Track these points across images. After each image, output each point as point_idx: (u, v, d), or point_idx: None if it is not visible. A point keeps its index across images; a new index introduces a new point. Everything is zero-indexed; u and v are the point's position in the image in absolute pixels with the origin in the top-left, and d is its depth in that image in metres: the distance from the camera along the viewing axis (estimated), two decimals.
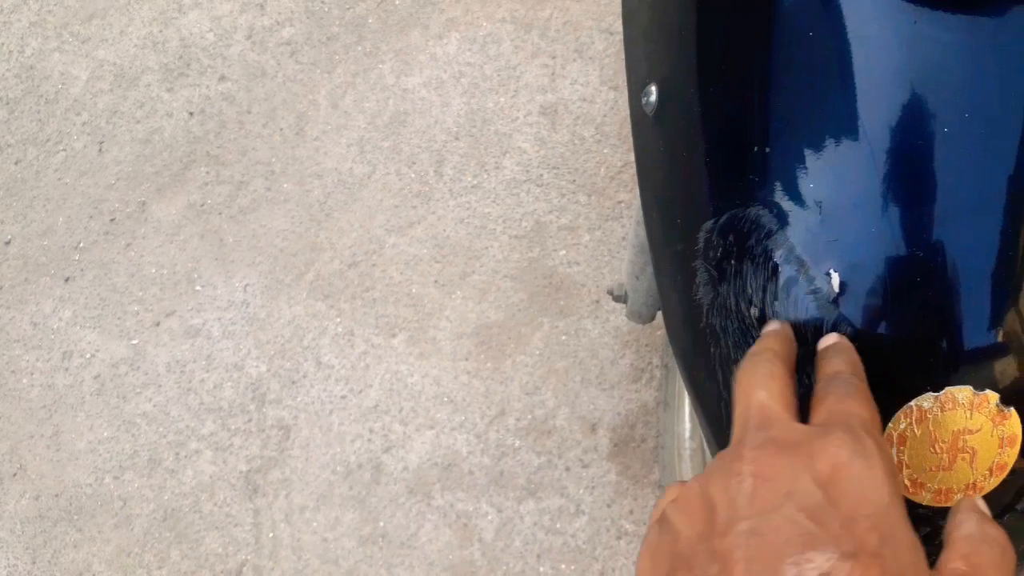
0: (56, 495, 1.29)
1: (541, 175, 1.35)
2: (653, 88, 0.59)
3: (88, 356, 1.38)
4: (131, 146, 1.50)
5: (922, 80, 0.45)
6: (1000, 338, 0.45)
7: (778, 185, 0.48)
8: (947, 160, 0.45)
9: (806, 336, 0.47)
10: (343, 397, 1.27)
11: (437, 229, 1.34)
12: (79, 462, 1.33)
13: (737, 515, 0.30)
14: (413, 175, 1.38)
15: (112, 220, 1.46)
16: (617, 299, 0.97)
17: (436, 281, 1.31)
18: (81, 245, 1.44)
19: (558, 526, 1.17)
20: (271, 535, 1.23)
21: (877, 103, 0.46)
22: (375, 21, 1.50)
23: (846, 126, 0.46)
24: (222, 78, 1.52)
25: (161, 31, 1.58)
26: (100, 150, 1.50)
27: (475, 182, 1.36)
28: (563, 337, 1.26)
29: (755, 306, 0.49)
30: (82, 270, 1.43)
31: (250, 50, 1.53)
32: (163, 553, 1.23)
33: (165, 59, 1.56)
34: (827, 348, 0.44)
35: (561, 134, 1.37)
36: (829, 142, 0.47)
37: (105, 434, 1.33)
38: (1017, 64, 0.45)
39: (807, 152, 0.48)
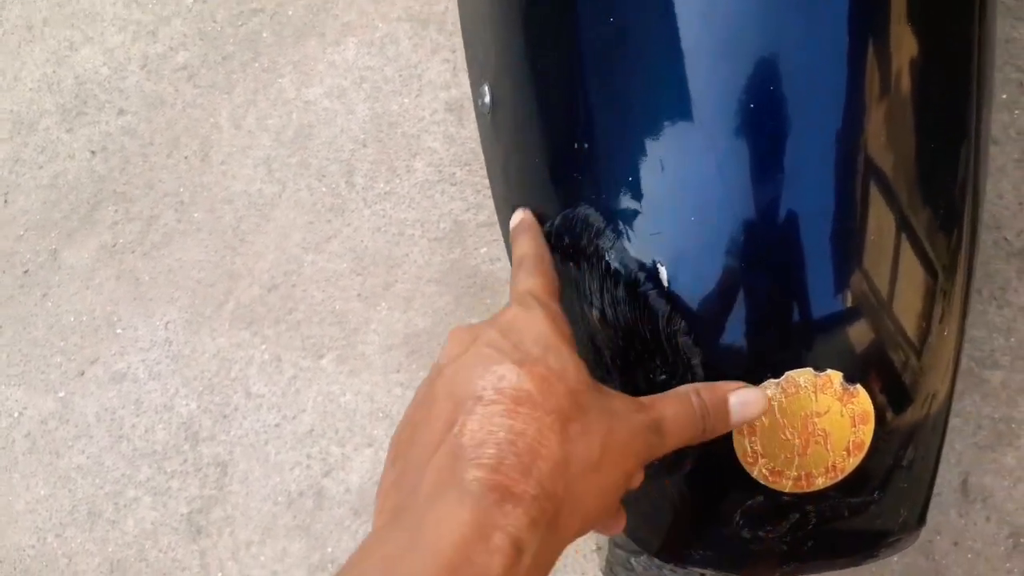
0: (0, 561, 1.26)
1: (454, 173, 1.32)
2: (486, 88, 0.56)
3: (16, 415, 1.34)
4: (36, 193, 1.45)
5: (725, 63, 0.43)
6: (834, 317, 0.43)
7: (600, 182, 0.46)
8: (760, 145, 0.43)
9: (646, 334, 0.45)
10: (277, 425, 1.24)
11: (354, 241, 1.31)
12: (19, 524, 1.29)
13: (442, 362, 0.41)
14: (324, 188, 1.34)
15: (25, 272, 1.41)
16: None
17: (359, 295, 1.28)
18: None
19: None
20: (219, 575, 1.20)
21: (684, 92, 0.43)
22: (270, 35, 1.46)
23: (656, 119, 0.44)
24: (121, 112, 1.47)
25: (55, 71, 1.54)
26: (5, 201, 1.46)
27: (388, 188, 1.33)
28: None
29: (595, 307, 0.47)
30: (0, 328, 1.39)
31: (146, 80, 1.48)
32: None
33: (62, 99, 1.51)
34: (515, 228, 0.50)
35: (469, 129, 1.34)
36: (642, 135, 0.44)
37: (42, 492, 1.30)
38: (820, 27, 0.42)
39: (623, 146, 0.45)
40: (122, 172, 1.43)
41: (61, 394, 1.34)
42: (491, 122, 0.54)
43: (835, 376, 0.42)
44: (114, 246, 1.39)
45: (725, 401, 0.41)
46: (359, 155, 1.35)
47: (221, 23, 1.49)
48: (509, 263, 0.67)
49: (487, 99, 0.54)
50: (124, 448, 1.29)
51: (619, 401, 0.39)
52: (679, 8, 0.42)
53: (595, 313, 0.47)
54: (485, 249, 1.28)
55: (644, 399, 0.40)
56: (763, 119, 0.42)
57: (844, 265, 0.43)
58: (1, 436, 1.33)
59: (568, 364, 0.38)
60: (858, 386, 0.43)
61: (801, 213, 0.42)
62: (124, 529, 1.25)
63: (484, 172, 1.31)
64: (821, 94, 0.42)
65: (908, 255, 0.45)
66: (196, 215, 1.38)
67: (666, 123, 0.43)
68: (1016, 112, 1.26)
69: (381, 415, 1.22)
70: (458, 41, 1.39)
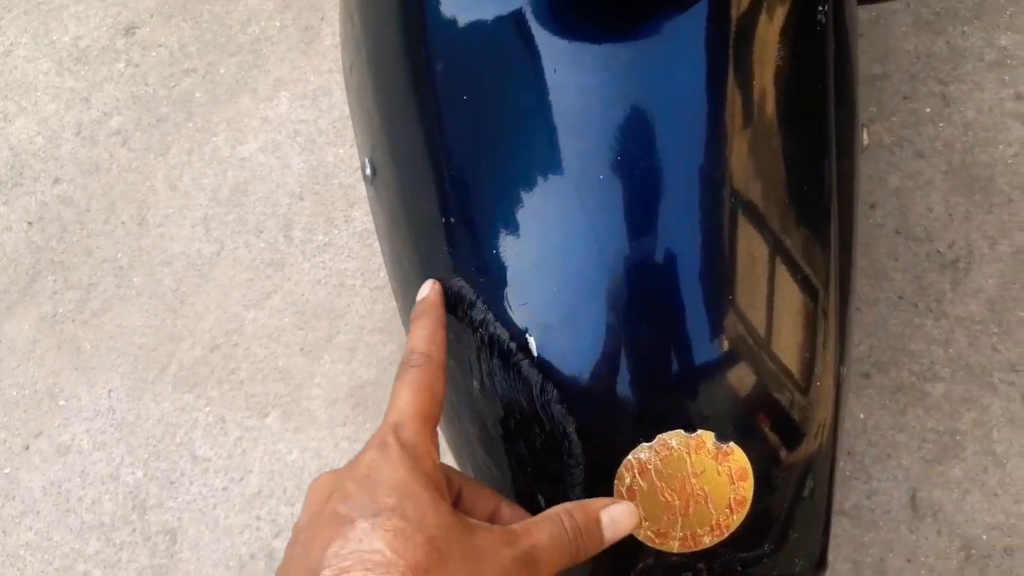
0: None
1: None
2: (367, 160, 0.56)
3: None
4: None
5: (576, 133, 0.43)
6: (701, 375, 0.43)
7: (469, 254, 0.46)
8: (612, 212, 0.43)
9: (522, 403, 0.45)
10: (224, 489, 1.22)
11: (295, 295, 1.30)
12: None
13: (300, 523, 0.40)
14: (263, 244, 1.34)
15: None
16: None
17: (302, 349, 1.27)
18: None
19: None
20: None
21: (540, 164, 0.44)
22: (202, 94, 1.46)
23: (513, 192, 0.44)
24: (56, 180, 1.46)
25: None
26: None
27: (327, 240, 1.32)
28: None
29: (475, 378, 0.47)
30: None
31: (81, 146, 1.48)
32: None
33: None
34: (415, 308, 0.49)
35: None
36: (502, 208, 0.45)
37: None
38: (654, 89, 0.43)
39: (484, 219, 0.45)
40: (60, 241, 1.42)
41: (7, 470, 1.31)
42: (373, 192, 0.54)
43: (707, 436, 0.42)
44: (54, 316, 1.37)
45: (597, 521, 0.40)
46: (296, 208, 1.35)
47: (153, 85, 1.49)
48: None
49: (367, 171, 0.54)
50: (72, 522, 1.26)
51: (487, 537, 0.38)
52: (529, 85, 0.43)
53: (475, 384, 0.46)
54: None
55: (516, 526, 0.39)
56: (611, 186, 0.42)
57: (711, 317, 0.43)
58: None
59: (427, 509, 0.37)
60: (731, 444, 0.43)
61: (661, 271, 0.42)
62: None
63: None
64: (670, 150, 0.42)
65: (778, 289, 0.45)
66: (135, 280, 1.36)
67: (524, 195, 0.43)
68: (940, 125, 1.28)
69: (328, 470, 1.20)
70: None
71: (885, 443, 1.09)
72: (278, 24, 1.50)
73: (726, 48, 0.43)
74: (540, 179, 0.43)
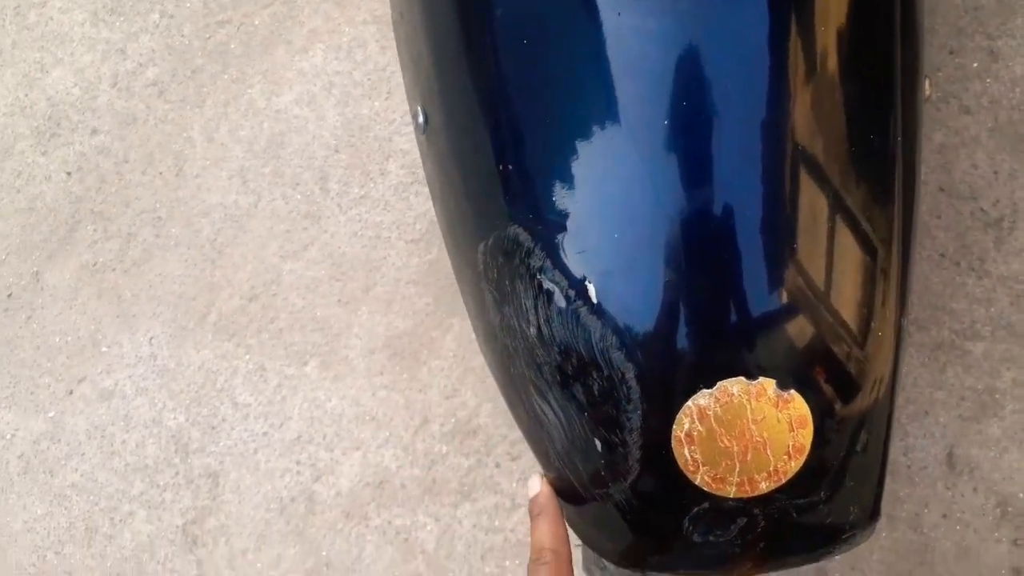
0: None
1: None
2: (419, 109, 0.56)
3: (9, 437, 1.35)
4: (15, 217, 1.46)
5: (638, 79, 0.43)
6: (763, 323, 0.43)
7: (527, 202, 0.46)
8: (675, 158, 0.42)
9: (580, 350, 0.45)
10: (265, 434, 1.25)
11: (332, 247, 1.31)
12: (18, 543, 1.31)
13: None
14: (299, 196, 1.34)
15: (9, 296, 1.42)
16: None
17: (339, 300, 1.29)
18: None
19: (497, 524, 1.16)
20: None
21: (599, 111, 0.43)
22: (237, 46, 1.45)
23: (573, 138, 0.44)
24: (94, 131, 1.47)
25: (27, 95, 1.53)
26: None
27: (362, 192, 1.33)
28: (473, 335, 1.23)
29: (532, 325, 0.47)
30: None
31: (117, 98, 1.48)
32: None
33: (35, 122, 1.51)
34: (532, 505, 0.50)
35: None
36: (561, 154, 0.44)
37: (39, 511, 1.31)
38: (716, 34, 0.42)
39: (544, 166, 0.45)
40: (98, 191, 1.43)
41: (51, 414, 1.34)
42: (425, 142, 0.54)
43: (768, 383, 0.43)
44: (95, 265, 1.39)
45: None
46: (332, 161, 1.35)
47: (189, 37, 1.49)
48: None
49: (420, 119, 0.54)
50: (116, 464, 1.30)
51: None
52: (590, 30, 0.42)
53: (532, 331, 0.47)
54: None
55: None
56: (675, 131, 0.41)
57: (773, 268, 0.43)
58: None
59: None
60: (792, 392, 0.43)
61: (723, 220, 0.42)
62: (121, 543, 1.26)
63: None
64: (735, 99, 0.42)
65: (841, 242, 0.44)
66: (174, 230, 1.38)
67: (584, 142, 0.43)
68: (988, 81, 1.25)
69: (367, 418, 1.23)
70: None
71: (923, 400, 1.09)
72: None
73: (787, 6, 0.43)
74: (600, 125, 0.43)
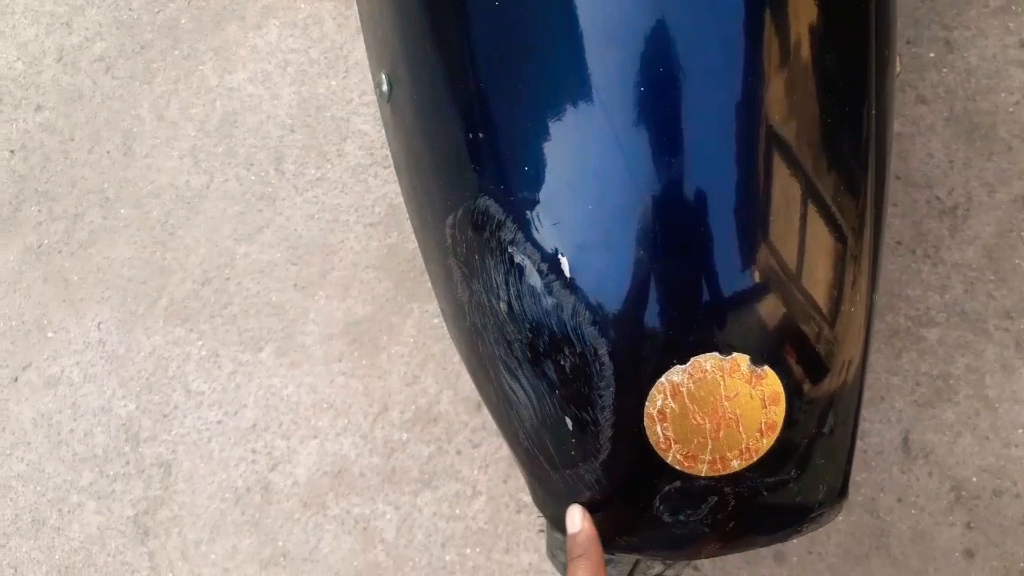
0: None
1: (386, 155, 1.29)
2: (383, 77, 0.54)
3: None
4: None
5: (614, 48, 0.42)
6: (738, 299, 0.42)
7: (498, 172, 0.45)
8: (652, 129, 0.41)
9: (552, 326, 0.44)
10: (219, 422, 1.22)
11: (287, 230, 1.28)
12: None
13: None
14: (253, 177, 1.31)
15: None
16: None
17: (295, 284, 1.26)
18: None
19: (457, 511, 1.14)
20: (170, 574, 1.18)
21: (575, 79, 0.42)
22: (188, 21, 1.41)
23: (548, 106, 0.42)
24: (38, 108, 1.41)
25: None
26: None
27: (319, 174, 1.30)
28: (435, 320, 1.22)
29: (502, 300, 0.46)
30: None
31: (63, 73, 1.43)
32: None
33: None
34: (570, 544, 0.46)
35: None
36: (535, 123, 0.43)
37: None
38: (701, 9, 0.41)
39: (516, 135, 0.44)
40: (43, 170, 1.38)
41: None
42: (390, 111, 0.52)
43: (742, 359, 0.42)
44: (39, 247, 1.34)
45: None
46: (287, 141, 1.32)
47: (137, 10, 1.43)
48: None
49: (384, 87, 0.52)
50: (64, 453, 1.25)
51: None
52: (572, 15, 0.41)
53: (502, 306, 0.45)
54: None
55: None
56: (652, 104, 0.40)
57: (747, 245, 0.42)
58: None
59: None
60: (766, 368, 0.42)
61: (698, 194, 0.41)
62: (70, 535, 1.22)
63: None
64: (713, 71, 0.41)
65: (814, 224, 0.44)
66: (122, 211, 1.33)
67: (558, 111, 0.42)
68: (944, 71, 1.27)
69: (325, 405, 1.20)
70: None
71: (879, 386, 1.10)
72: None
73: None
74: (575, 94, 0.42)
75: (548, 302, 0.43)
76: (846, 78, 0.45)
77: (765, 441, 0.44)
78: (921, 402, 1.10)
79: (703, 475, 0.45)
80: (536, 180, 0.42)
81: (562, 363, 0.44)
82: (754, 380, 0.42)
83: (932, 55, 1.28)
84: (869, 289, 0.47)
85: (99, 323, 1.29)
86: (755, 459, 0.44)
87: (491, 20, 0.43)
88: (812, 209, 0.44)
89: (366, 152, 1.29)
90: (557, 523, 0.52)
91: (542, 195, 0.42)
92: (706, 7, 0.41)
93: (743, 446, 0.44)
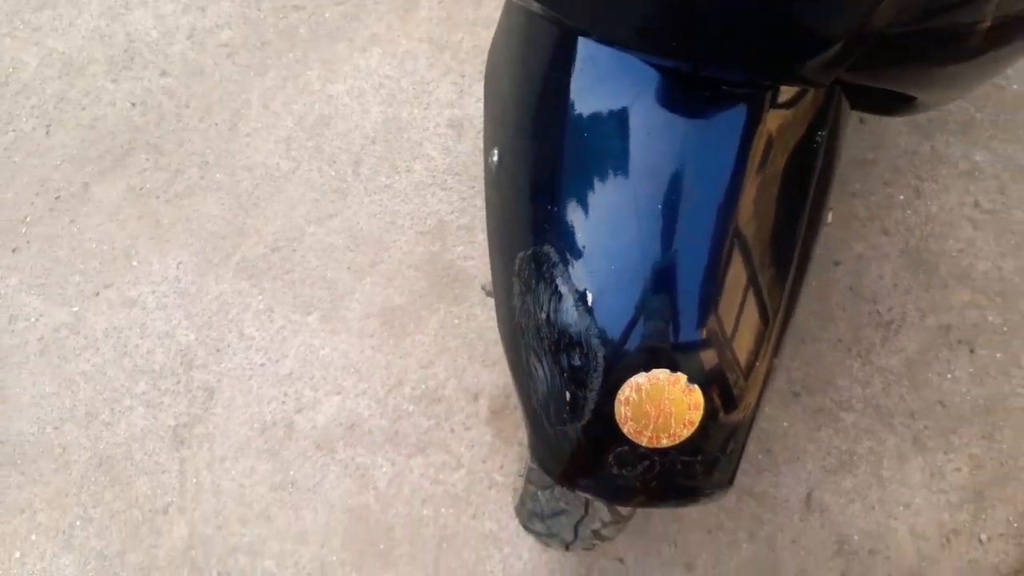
0: (1, 442, 1.46)
1: (446, 180, 1.56)
2: (495, 151, 0.80)
3: (32, 320, 1.54)
4: (76, 131, 1.65)
5: (653, 172, 0.68)
6: (689, 344, 0.69)
7: (560, 234, 0.71)
8: (659, 232, 0.68)
9: (572, 334, 0.70)
10: (262, 365, 1.47)
11: (352, 222, 1.54)
12: (23, 414, 1.49)
13: None
14: (333, 173, 1.57)
15: (57, 198, 1.61)
16: (488, 294, 1.19)
17: (349, 267, 1.51)
18: (28, 219, 1.59)
19: (441, 477, 1.39)
20: (194, 481, 1.42)
21: (625, 188, 0.68)
22: (306, 31, 1.68)
23: (598, 205, 0.69)
24: (163, 73, 1.68)
25: (108, 25, 1.73)
26: (47, 133, 1.65)
27: (388, 182, 1.56)
28: (456, 321, 1.48)
29: (543, 311, 0.72)
30: (28, 242, 1.58)
31: (190, 49, 1.69)
32: (98, 495, 1.41)
33: (111, 52, 1.71)
34: None
35: (465, 145, 1.58)
36: (588, 212, 0.70)
37: (47, 390, 1.50)
38: (711, 153, 0.68)
39: (578, 214, 0.70)
40: (157, 126, 1.64)
41: (75, 309, 1.54)
42: (495, 176, 0.79)
43: (682, 377, 0.68)
44: (141, 189, 1.60)
45: None
46: (368, 150, 1.58)
47: (265, 12, 1.71)
48: (485, 273, 0.91)
49: (494, 159, 0.78)
50: (126, 363, 1.50)
51: None
52: (623, 138, 0.67)
53: (543, 315, 0.71)
54: (461, 248, 1.52)
55: None
56: (661, 216, 0.67)
57: (703, 313, 0.68)
58: (16, 336, 1.53)
59: None
60: (695, 385, 0.68)
61: (677, 276, 0.67)
62: (116, 431, 1.46)
63: (471, 182, 1.56)
64: (701, 202, 0.67)
65: (747, 308, 0.70)
66: (218, 176, 1.59)
67: (603, 205, 0.68)
68: (908, 212, 1.55)
69: (352, 370, 1.45)
70: (467, 68, 1.63)
71: (798, 449, 1.37)
72: None
73: (749, 146, 0.69)
74: (617, 197, 0.68)
75: (573, 318, 0.69)
76: (786, 222, 0.72)
77: (685, 431, 0.70)
78: (828, 468, 1.36)
79: (643, 445, 0.70)
80: (582, 243, 0.69)
81: (572, 357, 0.70)
82: (687, 391, 0.68)
83: (902, 197, 1.56)
84: (772, 356, 0.73)
85: (179, 263, 1.54)
86: (677, 442, 0.70)
87: (575, 141, 0.70)
88: (747, 298, 0.71)
89: (430, 173, 1.56)
90: (543, 465, 0.78)
91: (584, 253, 0.69)
92: (703, 162, 0.68)
93: (671, 431, 0.69)
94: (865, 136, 1.58)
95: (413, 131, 1.59)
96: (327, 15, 1.69)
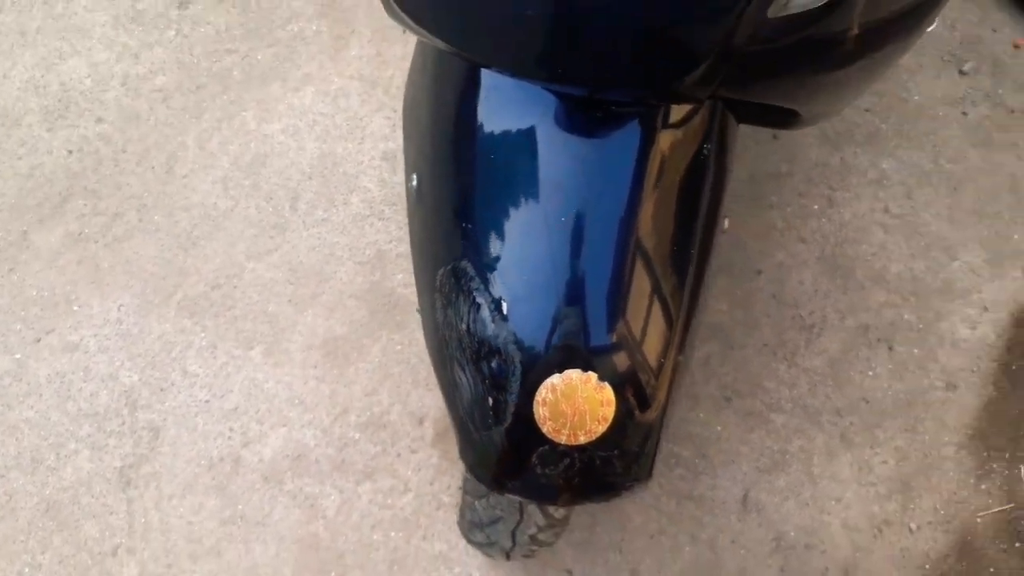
0: None
1: (383, 211, 1.61)
2: (415, 176, 0.85)
3: None
4: (14, 180, 1.66)
5: (557, 190, 0.74)
6: (599, 345, 0.74)
7: (476, 249, 0.76)
8: (567, 240, 0.73)
9: (490, 341, 0.75)
10: (207, 401, 1.48)
11: (291, 256, 1.57)
12: None
13: None
14: (271, 209, 1.61)
15: None
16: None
17: (290, 301, 1.54)
18: None
19: (389, 502, 1.42)
20: (143, 520, 1.42)
21: (534, 206, 0.74)
22: (239, 73, 1.72)
23: (510, 219, 0.75)
24: (99, 120, 1.70)
25: (43, 76, 1.75)
26: None
27: (325, 216, 1.60)
28: (398, 347, 1.51)
29: (464, 322, 0.77)
30: None
31: (125, 95, 1.72)
32: (46, 540, 1.41)
33: (46, 102, 1.73)
34: None
35: (400, 176, 1.63)
36: (503, 226, 0.75)
37: None
38: (608, 170, 0.74)
39: (491, 231, 0.76)
40: (94, 172, 1.66)
41: (17, 356, 1.54)
42: (416, 199, 0.84)
43: (593, 376, 0.73)
44: (80, 235, 1.61)
45: None
46: (304, 185, 1.62)
47: (198, 56, 1.74)
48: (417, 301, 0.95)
49: (414, 183, 0.83)
50: (70, 407, 1.50)
51: None
52: (530, 157, 0.73)
53: (463, 326, 0.76)
54: (401, 275, 1.56)
55: None
56: (569, 228, 0.72)
57: (612, 316, 0.74)
58: None
59: None
60: (605, 383, 0.73)
61: (587, 281, 0.73)
62: (62, 476, 1.46)
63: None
64: (604, 212, 0.73)
65: (653, 311, 0.76)
66: (156, 217, 1.61)
67: (515, 220, 0.74)
68: (823, 220, 1.64)
69: (297, 401, 1.48)
70: (399, 104, 1.69)
71: (732, 451, 1.42)
72: (314, 28, 1.78)
73: (643, 161, 0.75)
74: (527, 213, 0.74)
75: (491, 327, 0.74)
76: (682, 229, 0.78)
77: (600, 427, 0.74)
78: (762, 468, 1.42)
79: (562, 443, 0.75)
80: (496, 257, 0.74)
81: (492, 364, 0.74)
82: (599, 389, 0.73)
83: (816, 207, 1.65)
84: (678, 352, 0.79)
85: (120, 305, 1.56)
86: (594, 438, 0.74)
87: (485, 164, 0.75)
88: (651, 300, 0.76)
89: (367, 205, 1.60)
90: (474, 471, 0.82)
91: (499, 266, 0.74)
92: (602, 179, 0.74)
93: (587, 428, 0.74)
94: (778, 150, 1.67)
95: (349, 165, 1.63)
96: (259, 57, 1.74)
